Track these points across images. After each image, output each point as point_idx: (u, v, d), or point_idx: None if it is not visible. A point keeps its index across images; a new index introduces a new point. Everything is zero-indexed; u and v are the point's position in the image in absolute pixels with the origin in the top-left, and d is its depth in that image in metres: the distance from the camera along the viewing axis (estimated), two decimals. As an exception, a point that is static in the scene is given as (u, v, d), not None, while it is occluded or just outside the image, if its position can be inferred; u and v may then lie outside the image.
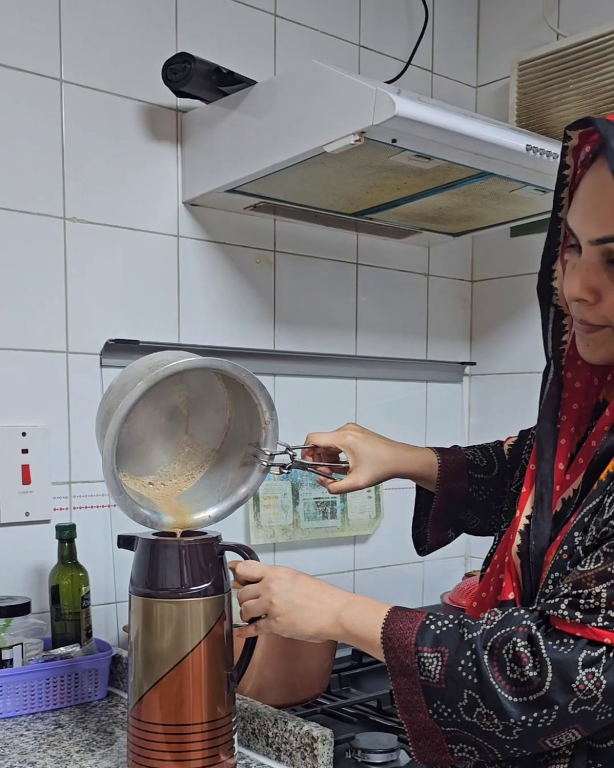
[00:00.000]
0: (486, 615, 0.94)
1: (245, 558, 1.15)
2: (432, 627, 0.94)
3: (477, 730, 0.90)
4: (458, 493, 1.31)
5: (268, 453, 1.21)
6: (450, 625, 0.93)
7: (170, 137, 1.69)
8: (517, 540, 1.00)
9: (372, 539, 2.09)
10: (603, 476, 0.92)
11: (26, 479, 1.53)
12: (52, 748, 1.26)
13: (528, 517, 1.00)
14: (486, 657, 0.89)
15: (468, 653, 0.90)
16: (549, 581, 0.94)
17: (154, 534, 1.15)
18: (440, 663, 0.91)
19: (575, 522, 0.93)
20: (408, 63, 2.01)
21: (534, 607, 0.92)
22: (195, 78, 1.53)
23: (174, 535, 1.15)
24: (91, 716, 1.40)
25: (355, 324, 2.03)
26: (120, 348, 1.62)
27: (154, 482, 1.22)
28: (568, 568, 0.91)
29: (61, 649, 1.45)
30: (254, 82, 1.54)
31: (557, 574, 0.93)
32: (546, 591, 0.93)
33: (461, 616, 0.95)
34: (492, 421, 2.24)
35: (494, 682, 0.87)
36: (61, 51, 1.55)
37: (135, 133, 1.65)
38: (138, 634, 1.13)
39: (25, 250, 1.54)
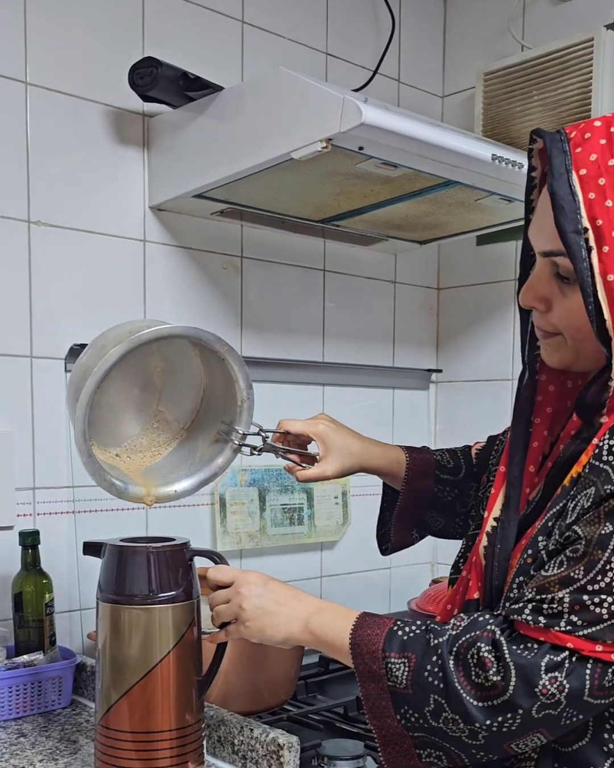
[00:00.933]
0: (452, 620, 0.94)
1: (216, 563, 1.15)
2: (400, 633, 0.95)
3: (444, 735, 0.90)
4: (424, 493, 1.32)
5: (241, 432, 1.21)
6: (418, 631, 0.94)
7: (137, 142, 1.68)
8: (484, 541, 1.01)
9: (339, 545, 2.09)
10: (566, 481, 0.93)
11: (-11, 485, 1.51)
12: (15, 758, 1.25)
13: (495, 519, 1.01)
14: (451, 662, 0.89)
15: (435, 658, 0.90)
16: (514, 585, 0.94)
17: (121, 540, 1.14)
18: (407, 668, 0.91)
19: (539, 526, 0.94)
20: (375, 72, 2.03)
21: (499, 611, 0.92)
22: (161, 83, 1.53)
23: (141, 540, 1.15)
24: (55, 725, 1.38)
25: (323, 330, 2.03)
26: (85, 353, 1.61)
27: (120, 454, 1.21)
28: (532, 572, 0.92)
29: (25, 657, 1.43)
30: (221, 88, 1.54)
31: (522, 578, 0.94)
32: (511, 595, 0.94)
33: (428, 622, 0.96)
34: (459, 427, 2.25)
35: (459, 687, 0.88)
36: (26, 53, 1.54)
37: (101, 137, 1.64)
38: (106, 642, 1.12)
39: (-12, 253, 1.53)
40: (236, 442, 1.21)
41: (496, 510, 1.02)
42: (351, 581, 2.12)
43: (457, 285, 2.25)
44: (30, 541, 1.46)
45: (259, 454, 1.26)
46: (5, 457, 1.54)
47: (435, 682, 0.90)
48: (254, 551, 1.92)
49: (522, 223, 1.83)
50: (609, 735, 0.92)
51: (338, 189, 1.63)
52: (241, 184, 1.56)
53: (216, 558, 1.15)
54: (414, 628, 0.95)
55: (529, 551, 0.94)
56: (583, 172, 0.89)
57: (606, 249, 0.87)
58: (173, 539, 1.16)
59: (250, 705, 1.45)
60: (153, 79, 1.53)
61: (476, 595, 1.00)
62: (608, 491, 0.85)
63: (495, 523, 1.00)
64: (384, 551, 1.39)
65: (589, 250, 0.88)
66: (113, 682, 1.11)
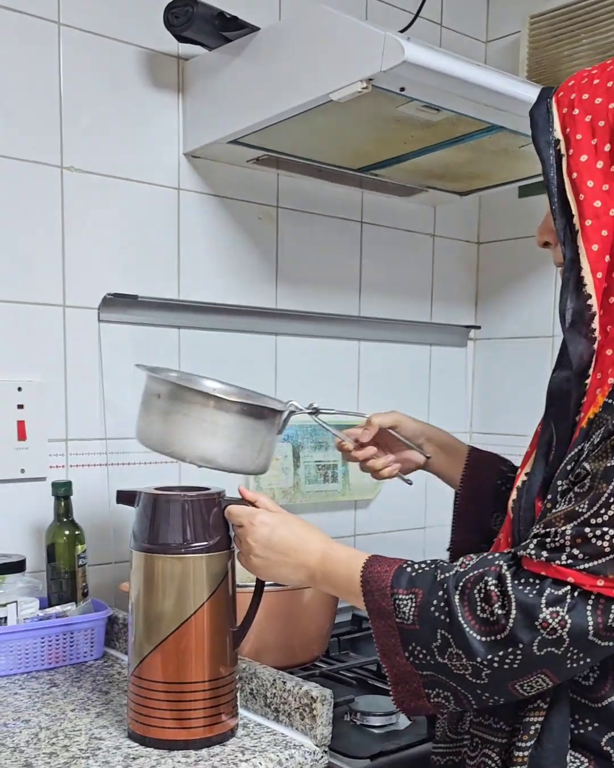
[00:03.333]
0: (461, 558, 0.94)
1: None
2: (409, 569, 0.95)
3: (449, 672, 0.90)
4: (486, 486, 1.29)
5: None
6: (426, 568, 0.94)
7: (171, 86, 1.64)
8: (513, 495, 1.00)
9: (373, 504, 2.06)
10: (583, 423, 0.91)
11: (21, 435, 1.50)
12: (47, 707, 1.24)
13: (526, 474, 0.99)
14: (457, 597, 0.89)
15: (441, 593, 0.90)
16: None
17: (156, 489, 1.12)
18: (414, 604, 0.92)
19: (559, 470, 0.92)
20: (417, 14, 1.95)
21: (510, 550, 0.92)
22: (197, 22, 1.48)
23: (175, 489, 1.13)
24: (87, 676, 1.37)
25: (359, 284, 1.99)
26: (118, 302, 1.59)
27: None
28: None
29: (57, 608, 1.42)
30: (258, 28, 1.49)
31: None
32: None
33: (438, 560, 0.96)
34: (497, 385, 2.20)
35: (463, 621, 0.88)
36: (58, -8, 1.50)
37: (135, 81, 1.60)
38: (139, 592, 1.10)
39: (21, 199, 1.49)
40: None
41: (528, 466, 1.00)
42: (386, 540, 2.10)
43: (498, 239, 2.19)
44: (62, 491, 1.45)
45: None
46: (38, 408, 1.52)
47: (441, 617, 0.89)
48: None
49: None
50: None
51: (377, 135, 1.57)
52: (278, 129, 1.52)
53: (251, 507, 1.12)
54: (422, 564, 0.95)
55: (549, 496, 0.92)
56: (561, 94, 0.97)
57: (571, 152, 0.93)
58: (208, 489, 1.13)
59: (283, 660, 1.44)
60: (188, 18, 1.48)
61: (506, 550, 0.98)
62: None
63: (525, 477, 0.99)
64: (449, 551, 1.36)
65: (559, 157, 0.94)
66: (147, 633, 1.10)
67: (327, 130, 1.55)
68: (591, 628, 0.83)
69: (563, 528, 0.85)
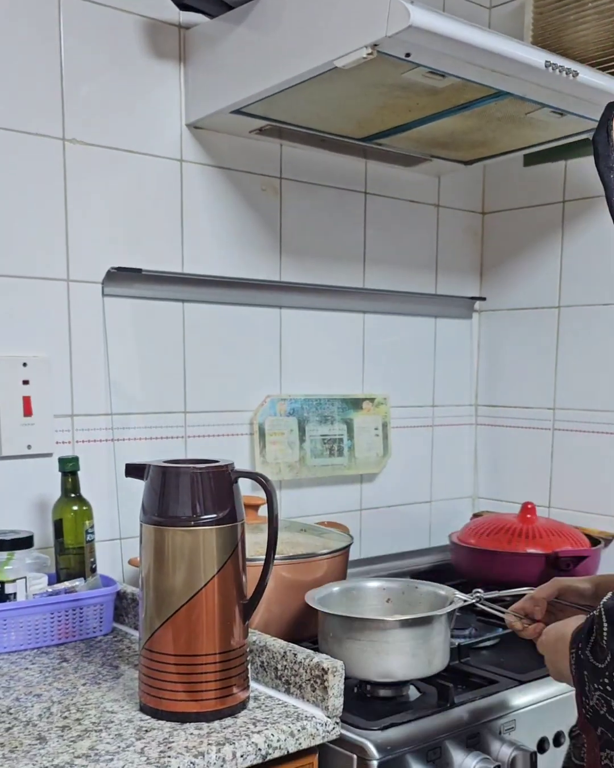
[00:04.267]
0: None
1: (262, 484, 1.12)
2: None
3: None
4: None
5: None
6: None
7: (173, 55, 1.61)
8: None
9: (379, 478, 2.05)
10: None
11: (28, 411, 1.49)
12: (58, 681, 1.24)
13: None
14: None
15: None
16: None
17: (165, 461, 1.11)
18: None
19: None
20: (420, -19, 1.92)
21: None
22: (198, -11, 1.45)
23: (183, 462, 1.12)
24: (96, 651, 1.37)
25: (364, 256, 1.97)
26: (122, 276, 1.57)
27: None
28: None
29: (66, 584, 1.42)
30: (260, -5, 1.46)
31: None
32: None
33: None
34: (502, 357, 2.19)
35: None
36: (56, -40, 1.47)
37: (136, 51, 1.58)
38: (150, 566, 1.10)
39: (23, 172, 1.47)
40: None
41: None
42: (392, 514, 2.09)
43: (503, 209, 2.17)
44: (69, 467, 1.44)
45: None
46: (43, 383, 1.51)
47: None
48: (293, 482, 1.89)
49: (574, 139, 1.78)
50: None
51: (382, 102, 1.55)
52: (281, 97, 1.49)
53: (262, 480, 1.12)
54: None
55: None
56: None
57: None
58: (216, 461, 1.12)
59: (291, 633, 1.44)
60: (189, -15, 1.45)
61: None
62: None
63: None
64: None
65: None
66: (157, 606, 1.09)
67: (331, 99, 1.53)
68: None
69: None
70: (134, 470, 1.13)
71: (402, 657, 1.25)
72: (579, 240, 2.01)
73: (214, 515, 1.08)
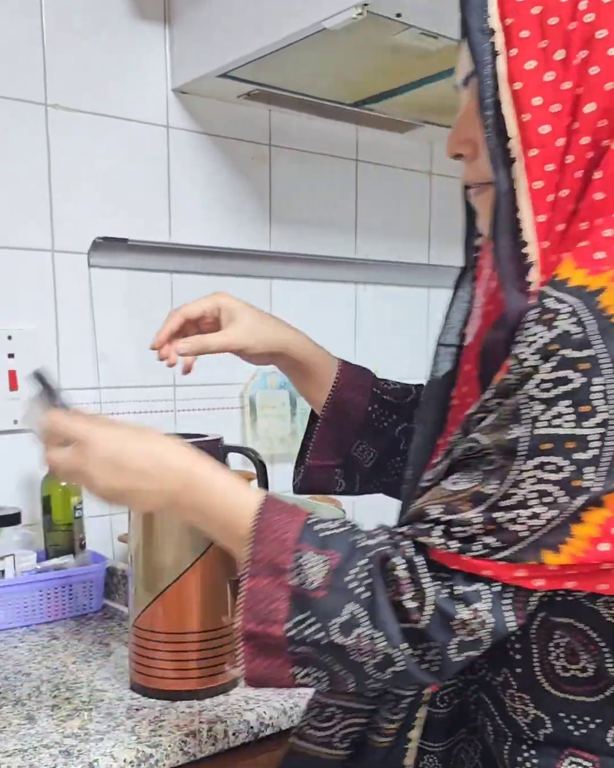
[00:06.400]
0: (375, 527, 0.79)
1: (252, 458, 1.09)
2: (318, 525, 0.77)
3: (342, 655, 0.73)
4: (352, 407, 1.07)
5: None
6: (340, 529, 0.77)
7: (157, 17, 1.57)
8: (437, 458, 0.84)
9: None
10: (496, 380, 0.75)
11: (13, 385, 1.46)
12: (48, 660, 1.22)
13: (450, 442, 0.86)
14: (379, 571, 0.73)
15: (364, 562, 0.74)
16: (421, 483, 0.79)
17: None
18: (326, 567, 0.73)
19: (459, 426, 0.78)
20: (412, -59, 1.87)
21: (404, 528, 0.76)
22: (182, -52, 1.41)
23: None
24: (87, 628, 1.35)
25: (355, 225, 1.93)
26: (108, 246, 1.53)
27: None
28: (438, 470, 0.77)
29: (55, 561, 1.40)
30: (247, -47, 1.42)
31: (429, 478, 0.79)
32: (412, 503, 0.78)
33: (350, 521, 0.80)
34: (497, 328, 2.16)
35: (384, 600, 0.72)
36: None
37: (119, 12, 1.53)
38: (139, 542, 1.07)
39: (4, 139, 1.43)
40: None
41: (454, 434, 0.83)
42: (386, 486, 2.07)
43: (497, 177, 2.13)
44: (57, 441, 1.41)
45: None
46: (29, 355, 1.47)
47: (359, 589, 0.72)
48: (285, 456, 1.86)
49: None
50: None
51: (373, 65, 1.51)
52: (270, 60, 1.45)
53: (251, 454, 1.09)
54: (334, 525, 0.77)
55: (439, 462, 0.77)
56: None
57: (514, 52, 0.71)
58: (205, 436, 1.10)
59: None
60: (172, -57, 1.40)
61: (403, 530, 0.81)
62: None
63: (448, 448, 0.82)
64: (295, 485, 1.12)
65: (495, 55, 0.71)
66: (147, 583, 1.07)
67: (321, 62, 1.49)
68: (512, 626, 0.72)
69: (470, 515, 0.70)
70: None
71: None
72: (574, 208, 1.98)
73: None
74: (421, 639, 0.71)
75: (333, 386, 1.07)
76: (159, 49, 1.58)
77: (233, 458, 1.11)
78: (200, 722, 1.01)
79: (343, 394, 1.07)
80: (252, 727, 1.03)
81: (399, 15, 1.31)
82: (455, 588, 0.71)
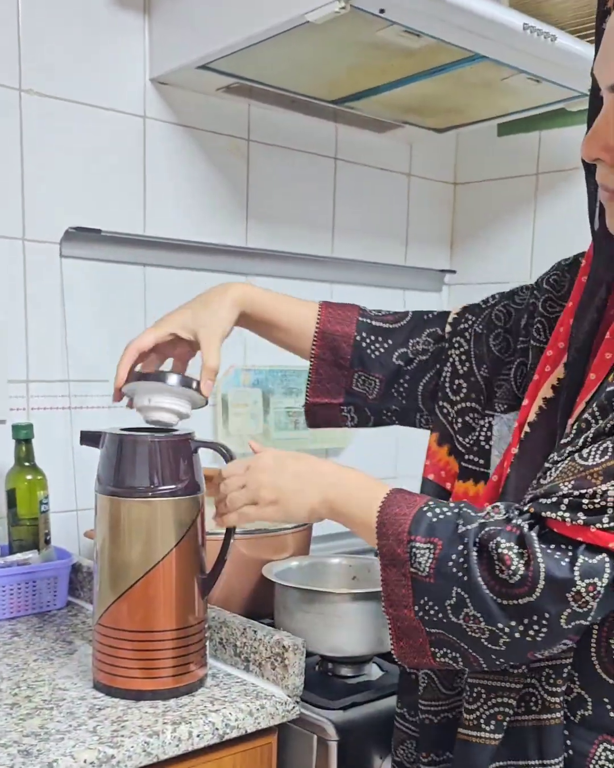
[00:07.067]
0: (488, 507, 0.84)
1: (223, 454, 1.07)
2: (429, 514, 0.84)
3: (463, 634, 0.81)
4: (342, 339, 1.11)
5: None
6: (449, 514, 0.84)
7: (137, 5, 1.55)
8: (515, 450, 0.90)
9: (344, 453, 2.01)
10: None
11: (-19, 376, 1.42)
12: (8, 657, 1.19)
13: (530, 425, 0.89)
14: (475, 553, 0.79)
15: (460, 547, 0.80)
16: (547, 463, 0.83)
17: (122, 429, 1.06)
18: (432, 555, 0.81)
19: (576, 416, 0.82)
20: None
21: (527, 506, 0.81)
22: None
23: (142, 430, 1.06)
24: (50, 625, 1.32)
25: (332, 223, 1.92)
26: (81, 237, 1.51)
27: None
28: (569, 451, 0.81)
29: (18, 556, 1.37)
30: (230, -57, 1.40)
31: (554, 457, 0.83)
32: (540, 482, 0.82)
33: (462, 504, 0.85)
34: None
35: (482, 582, 0.78)
36: None
37: (98, 0, 1.50)
38: (105, 537, 1.05)
39: (-25, 123, 1.40)
40: None
41: (532, 414, 0.89)
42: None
43: (475, 180, 2.13)
44: (23, 434, 1.38)
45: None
46: (-4, 347, 1.44)
47: (459, 574, 0.79)
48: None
49: (549, 108, 1.74)
50: None
51: (355, 62, 1.50)
52: (250, 53, 1.43)
53: (223, 450, 1.07)
54: (445, 510, 0.84)
55: (567, 442, 0.81)
56: None
57: None
58: (175, 430, 1.07)
59: (251, 609, 1.39)
60: None
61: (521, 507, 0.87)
62: None
63: (529, 429, 0.89)
64: (308, 422, 1.18)
65: None
66: (113, 580, 1.04)
67: (303, 57, 1.48)
68: None
69: (603, 487, 0.74)
70: (90, 438, 1.07)
71: (353, 632, 1.21)
72: (551, 214, 1.98)
73: (173, 486, 1.03)
74: (529, 612, 0.76)
75: (317, 324, 1.11)
76: (138, 38, 1.55)
77: (204, 454, 1.09)
78: (164, 723, 0.99)
79: (329, 327, 1.11)
80: (217, 729, 1.01)
81: (382, 11, 1.30)
82: (577, 559, 0.75)
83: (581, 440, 0.79)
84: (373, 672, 1.29)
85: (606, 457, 0.75)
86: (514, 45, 1.45)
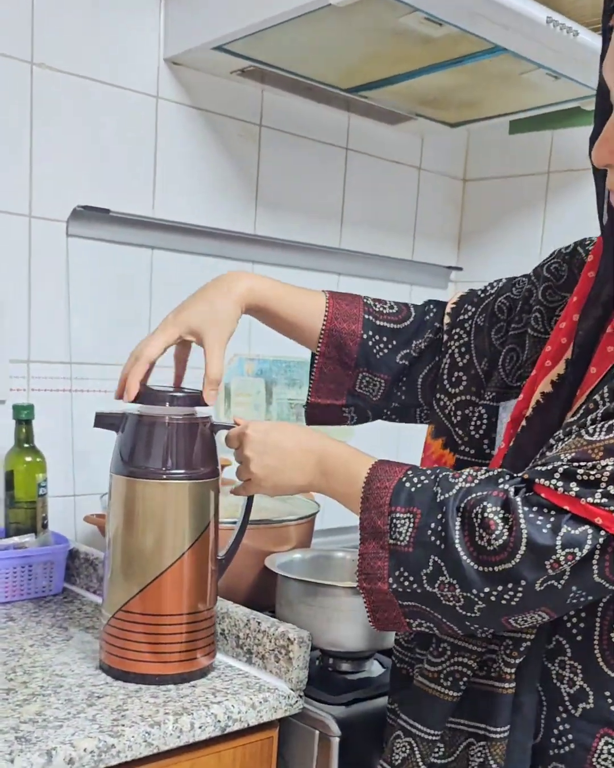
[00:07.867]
0: (468, 471, 0.83)
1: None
2: (408, 484, 0.84)
3: (436, 603, 0.81)
4: (349, 338, 1.08)
5: None
6: (426, 482, 0.83)
7: (153, -18, 1.52)
8: (528, 412, 0.88)
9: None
10: None
11: (-18, 354, 1.39)
12: (3, 641, 1.16)
13: (544, 395, 0.87)
14: (458, 520, 0.79)
15: (439, 516, 0.80)
16: (552, 441, 0.83)
17: (139, 410, 1.03)
18: (411, 524, 0.82)
19: (594, 390, 0.81)
20: None
21: (521, 473, 0.80)
22: None
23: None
24: (46, 611, 1.29)
25: (341, 214, 1.90)
26: (89, 216, 1.48)
27: None
28: (574, 429, 0.80)
29: (14, 539, 1.34)
30: None
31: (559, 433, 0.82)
32: (544, 454, 0.82)
33: (439, 470, 0.85)
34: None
35: (460, 548, 0.78)
36: None
37: (115, -24, 1.48)
38: (120, 520, 1.02)
39: (-14, 94, 1.37)
40: None
41: (546, 383, 0.87)
42: (355, 484, 2.03)
43: (485, 177, 2.11)
44: (24, 415, 1.35)
45: None
46: (-1, 325, 1.41)
47: (437, 542, 0.79)
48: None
49: (565, 105, 1.72)
50: None
51: (372, 49, 1.47)
52: (267, 35, 1.41)
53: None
54: (423, 478, 0.84)
55: (575, 418, 0.80)
56: None
57: None
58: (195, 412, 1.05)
59: (253, 601, 1.37)
60: None
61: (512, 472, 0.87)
62: None
63: (540, 398, 0.87)
64: (307, 420, 1.16)
65: None
66: (126, 563, 1.02)
67: (320, 42, 1.45)
68: (596, 570, 0.75)
69: (603, 462, 0.74)
70: (107, 421, 1.03)
71: (353, 626, 1.19)
72: (561, 214, 1.96)
73: (188, 470, 1.00)
74: (505, 578, 0.76)
75: (324, 319, 1.09)
76: (153, 16, 1.53)
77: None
78: (165, 713, 0.96)
79: (336, 325, 1.09)
80: (219, 721, 0.98)
81: (406, -4, 1.28)
82: (561, 528, 0.74)
83: (588, 419, 0.78)
84: (374, 669, 1.27)
85: (612, 434, 0.75)
86: (536, 38, 1.43)
